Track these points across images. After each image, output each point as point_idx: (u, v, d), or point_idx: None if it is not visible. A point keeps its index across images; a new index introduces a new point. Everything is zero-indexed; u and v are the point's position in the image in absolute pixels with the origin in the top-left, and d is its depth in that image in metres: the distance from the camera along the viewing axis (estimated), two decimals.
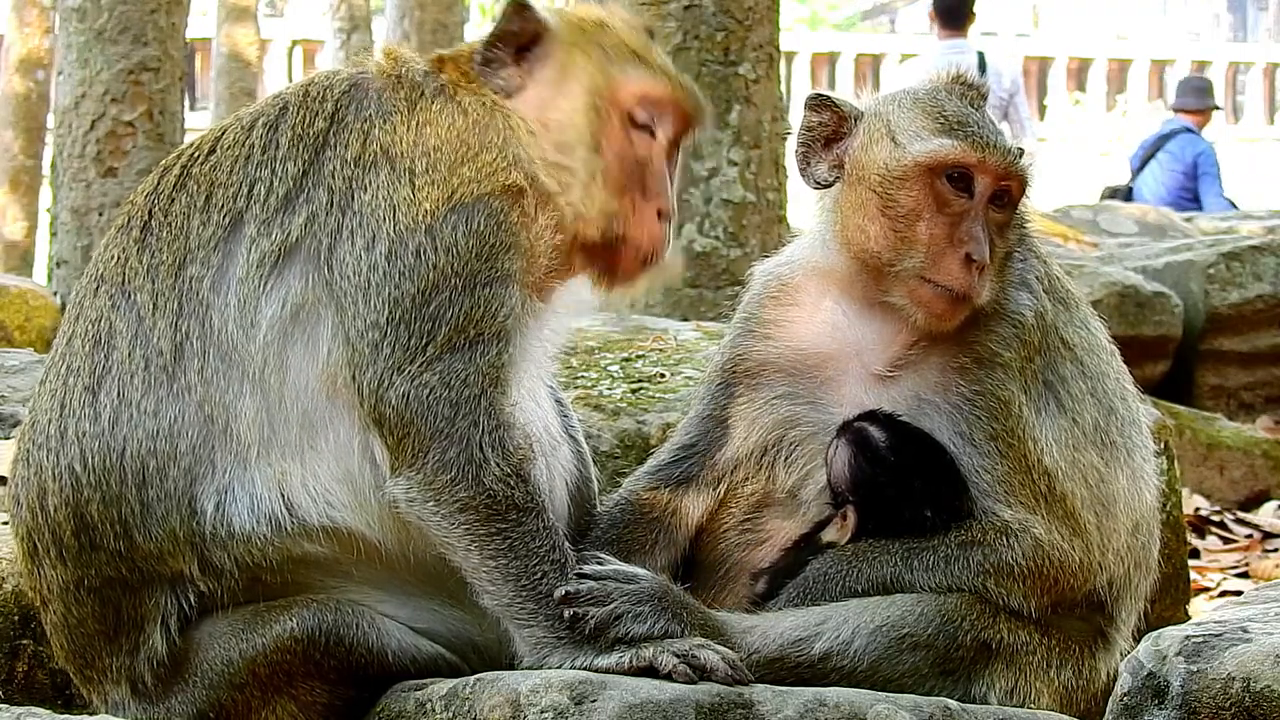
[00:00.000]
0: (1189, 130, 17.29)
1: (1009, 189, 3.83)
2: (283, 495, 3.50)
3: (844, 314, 3.91)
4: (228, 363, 3.51)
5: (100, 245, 3.75)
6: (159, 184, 3.69)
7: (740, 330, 4.03)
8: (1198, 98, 17.84)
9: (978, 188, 3.79)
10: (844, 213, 3.87)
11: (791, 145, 3.97)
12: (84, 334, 3.61)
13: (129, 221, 3.68)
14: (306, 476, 3.52)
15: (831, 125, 3.91)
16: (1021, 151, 3.85)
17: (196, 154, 3.68)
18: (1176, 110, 18.08)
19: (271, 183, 3.57)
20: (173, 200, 3.63)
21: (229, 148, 3.64)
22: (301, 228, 3.53)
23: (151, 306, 3.56)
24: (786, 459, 3.91)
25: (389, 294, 3.47)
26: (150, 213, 3.65)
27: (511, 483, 3.48)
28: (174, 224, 3.61)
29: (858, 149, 3.87)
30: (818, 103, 3.93)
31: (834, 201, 3.91)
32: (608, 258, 3.72)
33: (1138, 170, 17.47)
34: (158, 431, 3.50)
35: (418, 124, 3.57)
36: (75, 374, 3.58)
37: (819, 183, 3.92)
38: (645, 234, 3.69)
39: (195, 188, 3.62)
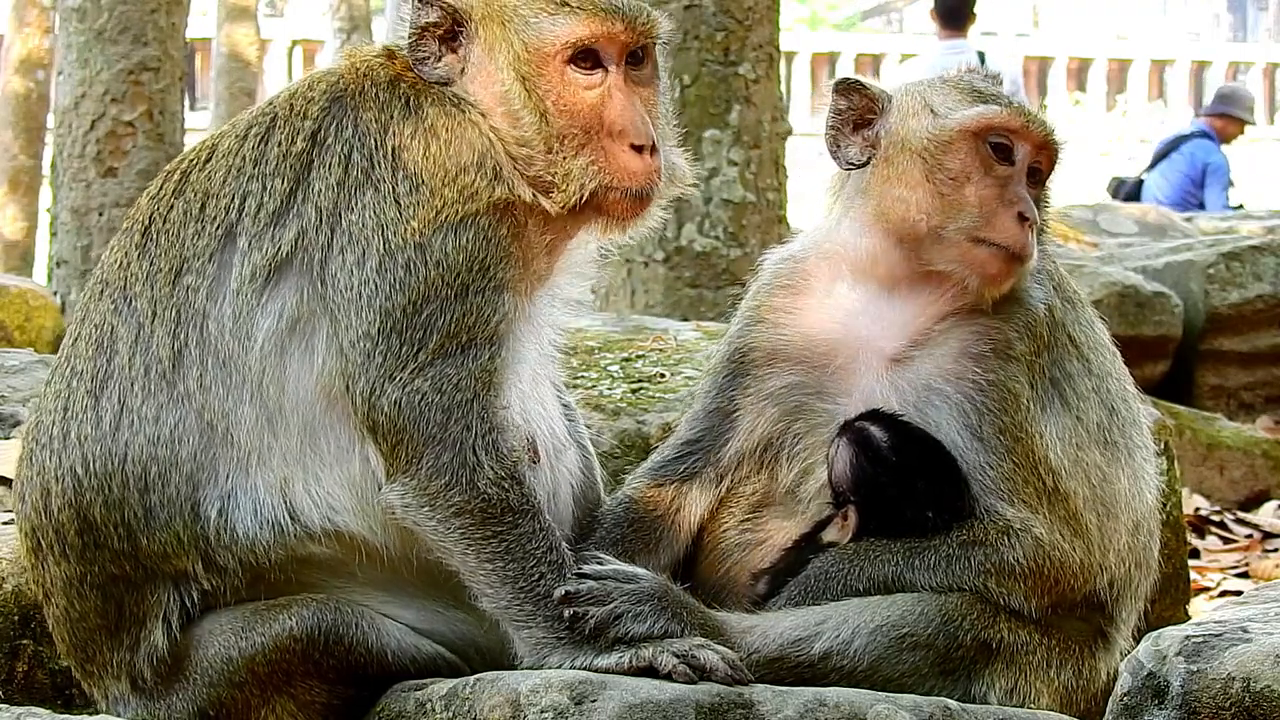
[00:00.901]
0: (1206, 136, 17.28)
1: (1041, 164, 3.89)
2: (285, 501, 3.51)
3: (859, 298, 3.92)
4: (226, 371, 3.52)
5: (107, 248, 3.76)
6: (161, 189, 3.70)
7: (748, 320, 4.03)
8: (1215, 103, 17.86)
9: (1018, 155, 3.84)
10: (880, 187, 3.89)
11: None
12: (88, 337, 3.63)
13: (132, 226, 3.70)
14: (309, 482, 3.52)
15: (860, 109, 3.95)
16: (1057, 126, 3.91)
17: (196, 160, 3.69)
18: (1200, 114, 18.09)
19: (262, 197, 3.57)
20: (171, 207, 3.64)
21: (223, 157, 3.65)
22: (292, 243, 3.54)
23: (151, 314, 3.57)
24: (790, 452, 3.91)
25: (380, 305, 3.47)
26: (151, 218, 3.66)
27: (506, 485, 3.48)
28: (171, 231, 3.62)
29: (895, 124, 3.90)
30: (846, 87, 3.97)
31: (865, 180, 3.93)
32: (600, 210, 3.63)
33: (1150, 166, 17.50)
34: (158, 438, 3.51)
35: (394, 149, 3.56)
36: (78, 377, 3.60)
37: (851, 163, 3.94)
38: (624, 174, 3.59)
39: (192, 195, 3.63)
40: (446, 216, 3.52)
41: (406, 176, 3.53)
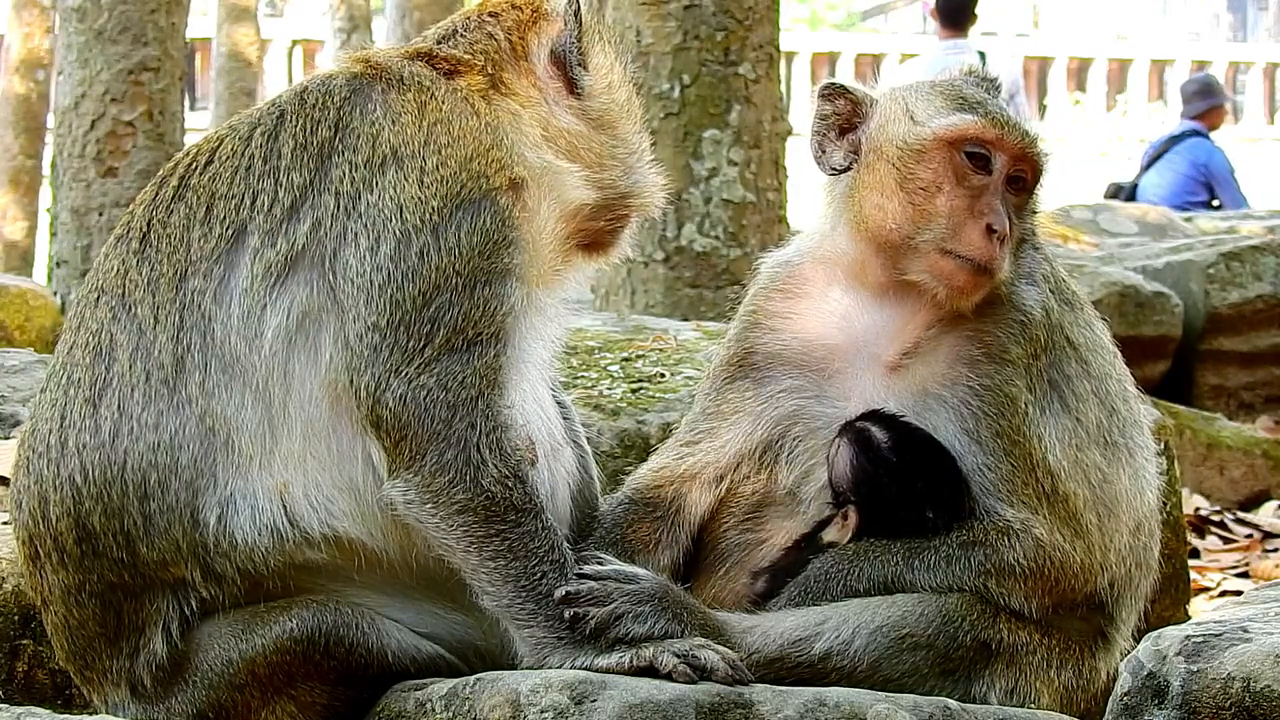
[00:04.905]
0: (1198, 134, 17.25)
1: (1024, 173, 3.85)
2: (284, 506, 3.49)
3: (853, 303, 3.91)
4: (230, 375, 3.50)
5: (99, 255, 3.73)
6: (157, 195, 3.67)
7: (746, 323, 4.03)
8: (1192, 102, 17.84)
9: (995, 165, 3.81)
10: (860, 194, 3.88)
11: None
12: (84, 345, 3.59)
13: (128, 233, 3.66)
14: (308, 486, 3.51)
15: (845, 113, 3.94)
16: (1038, 136, 3.88)
17: (194, 164, 3.66)
18: (1184, 117, 18.07)
19: (276, 193, 3.55)
20: (171, 212, 3.61)
21: (228, 158, 3.62)
22: (307, 235, 3.52)
23: (152, 320, 3.54)
24: (789, 455, 3.90)
25: (390, 295, 3.47)
26: (149, 224, 3.63)
27: (509, 484, 3.48)
28: (173, 236, 3.59)
29: (875, 130, 3.89)
30: (831, 91, 3.95)
31: (848, 186, 3.92)
32: (627, 223, 3.96)
33: (1144, 169, 17.48)
34: (158, 444, 3.49)
35: (429, 123, 3.58)
36: (76, 385, 3.57)
37: (834, 168, 3.93)
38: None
39: (195, 199, 3.60)
40: (470, 191, 3.53)
41: (436, 149, 3.55)
